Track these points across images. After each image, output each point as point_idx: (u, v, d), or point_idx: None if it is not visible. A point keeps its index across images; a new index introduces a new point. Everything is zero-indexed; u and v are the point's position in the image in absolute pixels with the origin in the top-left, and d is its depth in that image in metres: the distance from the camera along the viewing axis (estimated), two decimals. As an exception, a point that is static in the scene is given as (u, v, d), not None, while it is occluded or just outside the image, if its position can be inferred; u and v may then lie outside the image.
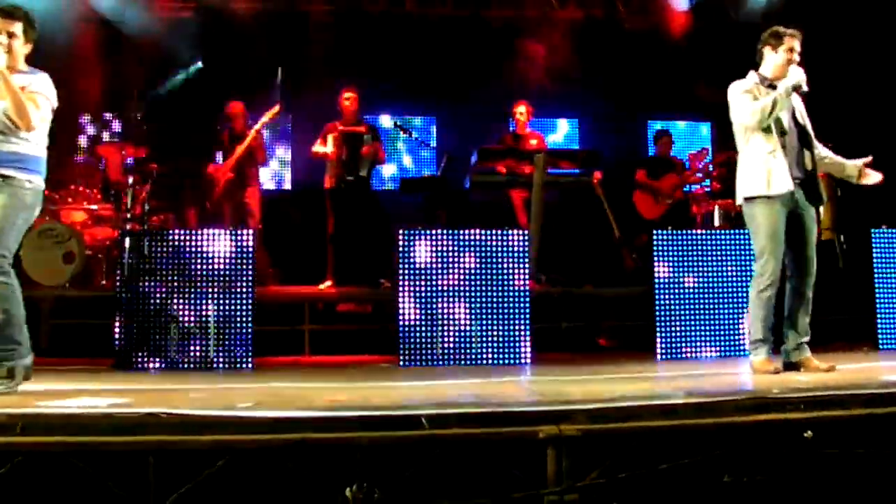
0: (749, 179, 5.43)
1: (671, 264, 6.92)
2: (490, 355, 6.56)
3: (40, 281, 7.94)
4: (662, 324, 6.85)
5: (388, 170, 11.09)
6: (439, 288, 6.60)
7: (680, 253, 6.95)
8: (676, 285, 6.90)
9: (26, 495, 3.54)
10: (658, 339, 6.84)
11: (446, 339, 6.56)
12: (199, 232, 6.57)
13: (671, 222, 8.91)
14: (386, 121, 10.80)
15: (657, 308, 6.86)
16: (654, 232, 7.03)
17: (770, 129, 5.35)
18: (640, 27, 11.32)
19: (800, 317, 5.47)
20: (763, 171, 5.35)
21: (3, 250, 4.79)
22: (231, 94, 9.39)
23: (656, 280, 6.90)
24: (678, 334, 6.86)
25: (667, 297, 6.88)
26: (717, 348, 6.90)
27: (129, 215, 8.51)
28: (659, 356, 6.80)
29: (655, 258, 6.93)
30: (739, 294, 6.88)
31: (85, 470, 3.48)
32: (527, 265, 6.74)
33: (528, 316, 6.63)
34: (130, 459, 3.51)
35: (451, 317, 6.58)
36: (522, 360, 6.54)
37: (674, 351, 6.83)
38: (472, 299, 6.61)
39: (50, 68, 8.26)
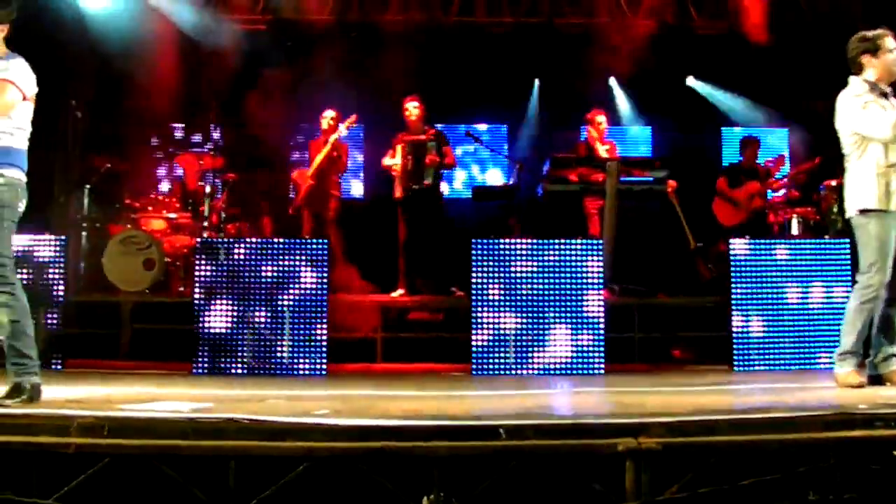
0: (865, 192, 5.20)
1: (748, 274, 6.78)
2: (564, 365, 6.51)
3: (121, 287, 8.13)
4: (739, 335, 6.72)
5: (459, 178, 11.10)
6: (512, 297, 6.59)
7: (757, 262, 6.81)
8: (754, 295, 6.75)
9: (112, 496, 3.62)
10: (735, 351, 6.71)
11: (519, 349, 6.53)
12: (275, 240, 6.68)
13: (749, 231, 8.74)
14: (458, 130, 10.83)
15: (734, 319, 6.73)
16: (731, 241, 6.90)
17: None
18: (713, 32, 11.13)
19: (893, 329, 5.28)
20: (881, 184, 5.15)
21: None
22: (306, 104, 9.47)
23: (733, 290, 6.77)
24: (755, 346, 6.71)
25: (744, 307, 6.74)
26: (794, 361, 6.72)
27: (206, 223, 8.70)
28: (735, 368, 6.66)
29: (733, 268, 6.80)
30: (818, 305, 6.72)
31: (168, 473, 3.55)
32: (601, 275, 6.67)
33: (602, 326, 6.57)
34: (212, 463, 3.57)
35: (523, 326, 6.55)
36: (596, 371, 6.48)
37: (750, 363, 6.68)
38: (546, 309, 6.57)
39: (131, 80, 8.47)
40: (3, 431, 3.74)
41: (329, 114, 9.22)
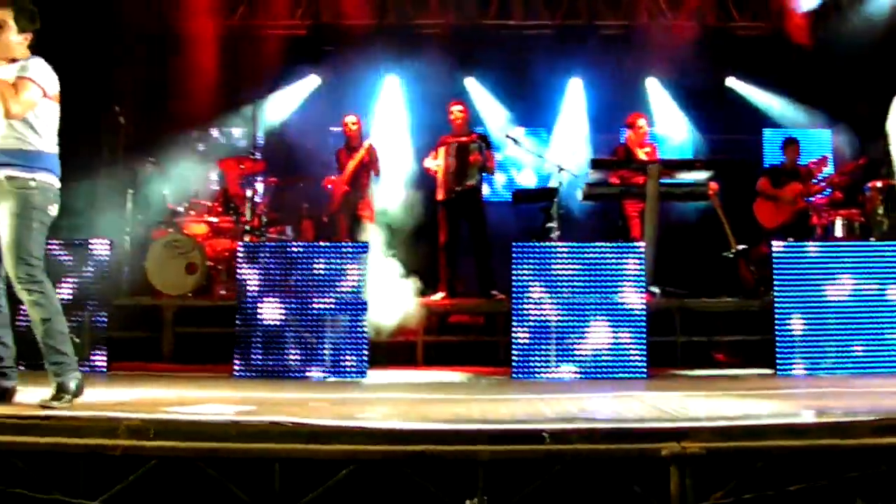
0: None
1: (792, 277, 6.69)
2: (605, 369, 6.47)
3: (164, 290, 8.22)
4: (783, 339, 6.62)
5: (500, 181, 11.10)
6: (553, 300, 6.56)
7: (800, 265, 6.71)
8: (797, 298, 6.65)
9: (157, 498, 3.67)
10: (778, 355, 6.60)
11: (560, 353, 6.51)
12: (315, 244, 6.72)
13: (792, 233, 8.63)
14: (498, 133, 10.83)
15: (777, 322, 6.63)
16: (775, 244, 6.82)
17: None
18: (754, 33, 11.04)
19: None
20: None
21: (30, 258, 4.53)
22: (346, 108, 9.54)
23: (776, 293, 6.68)
24: (799, 350, 6.60)
25: (787, 310, 6.64)
26: (839, 365, 6.57)
27: (247, 227, 8.78)
28: (779, 372, 6.57)
29: (775, 270, 6.71)
30: (863, 309, 6.60)
31: (212, 475, 3.59)
32: (642, 278, 6.63)
33: (644, 329, 6.52)
34: (257, 466, 3.61)
35: (564, 329, 6.53)
36: (639, 374, 6.43)
37: (794, 367, 6.58)
38: (586, 312, 6.54)
39: (173, 85, 8.56)
40: (51, 433, 3.81)
41: (350, 119, 9.34)
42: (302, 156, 10.32)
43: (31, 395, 4.60)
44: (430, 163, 9.01)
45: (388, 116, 9.12)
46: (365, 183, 9.29)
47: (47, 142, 4.66)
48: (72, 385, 4.52)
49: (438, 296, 8.43)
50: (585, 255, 6.63)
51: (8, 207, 4.53)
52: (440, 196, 8.91)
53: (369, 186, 9.36)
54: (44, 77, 4.58)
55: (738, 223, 8.99)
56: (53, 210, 4.69)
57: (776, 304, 6.66)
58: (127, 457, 3.62)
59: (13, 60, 4.59)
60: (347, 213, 9.23)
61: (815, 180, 9.48)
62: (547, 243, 6.78)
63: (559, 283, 6.58)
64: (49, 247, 6.31)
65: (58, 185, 4.72)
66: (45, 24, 4.74)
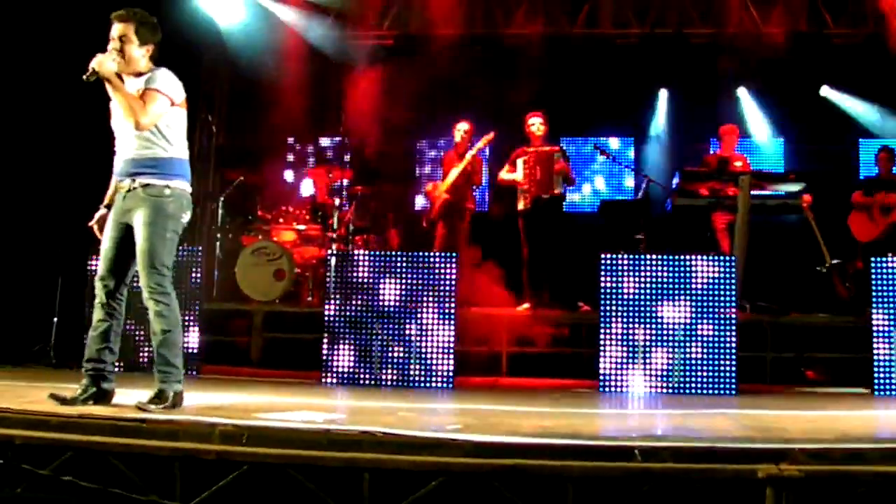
0: None
1: (890, 293, 6.46)
2: (694, 384, 6.36)
3: (253, 296, 8.39)
4: (881, 357, 6.40)
5: (586, 192, 11.03)
6: (640, 313, 6.49)
7: (899, 280, 6.49)
8: (896, 315, 6.43)
9: (249, 503, 3.71)
10: (875, 374, 6.39)
11: (648, 366, 6.43)
12: (406, 253, 6.74)
13: (889, 247, 8.35)
14: (585, 144, 10.78)
15: (875, 339, 6.42)
16: (873, 259, 6.60)
17: None
18: (850, 41, 10.70)
19: None
20: None
21: (162, 268, 4.62)
22: (444, 118, 9.50)
23: (874, 310, 6.47)
24: (899, 369, 6.38)
25: (886, 329, 6.42)
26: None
27: (334, 235, 8.89)
28: (876, 392, 6.35)
29: (873, 286, 6.50)
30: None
31: (302, 483, 3.62)
32: (732, 291, 6.49)
33: (734, 345, 6.39)
34: (347, 475, 3.62)
35: (653, 343, 6.44)
36: (729, 391, 6.30)
37: (893, 387, 6.35)
38: (676, 326, 6.44)
39: (264, 95, 8.71)
40: (148, 436, 3.90)
41: (463, 126, 9.28)
42: (389, 165, 10.39)
43: (127, 398, 4.71)
44: (506, 175, 8.98)
45: (487, 128, 9.04)
46: (466, 192, 9.21)
47: (179, 148, 4.78)
48: (171, 393, 4.61)
49: (523, 307, 8.40)
50: (675, 267, 6.54)
51: (143, 216, 4.63)
52: (521, 206, 8.87)
53: (470, 196, 9.28)
54: (170, 86, 4.68)
55: (833, 237, 8.74)
56: (186, 217, 4.81)
57: (874, 322, 6.45)
58: (220, 461, 3.67)
59: (138, 74, 4.70)
60: (446, 222, 9.14)
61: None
62: (634, 255, 6.66)
63: (647, 295, 6.51)
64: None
65: (190, 190, 4.84)
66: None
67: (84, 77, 4.47)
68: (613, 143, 11.17)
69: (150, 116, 4.57)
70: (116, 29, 4.66)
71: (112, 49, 4.63)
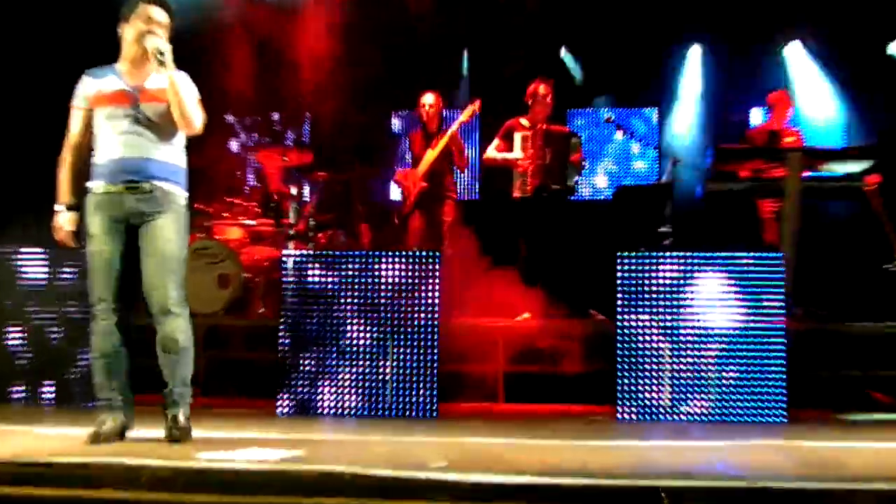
0: None
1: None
2: (735, 410, 6.38)
3: (192, 307, 8.25)
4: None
5: (598, 176, 11.06)
6: (668, 323, 6.50)
7: None
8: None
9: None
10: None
11: (677, 388, 6.45)
12: (378, 252, 6.73)
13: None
14: (596, 116, 10.78)
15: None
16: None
17: None
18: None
19: None
20: None
21: (182, 280, 5.12)
22: (415, 86, 9.54)
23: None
24: None
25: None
26: None
27: (291, 232, 8.88)
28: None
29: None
30: None
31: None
32: (781, 295, 6.51)
33: (783, 360, 6.41)
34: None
35: (683, 359, 6.46)
36: (777, 418, 6.32)
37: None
38: (710, 338, 6.46)
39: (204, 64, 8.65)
40: (57, 483, 3.88)
41: (427, 99, 9.26)
42: (357, 145, 10.36)
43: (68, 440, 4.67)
44: (499, 154, 8.98)
45: (471, 98, 9.04)
46: (446, 180, 9.23)
47: (185, 155, 5.28)
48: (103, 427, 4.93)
49: (523, 316, 8.40)
50: (709, 267, 6.54)
51: (170, 222, 5.08)
52: (519, 193, 8.89)
53: (451, 183, 9.30)
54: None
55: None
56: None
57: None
58: (151, 512, 3.67)
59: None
60: (424, 215, 9.15)
61: None
62: (659, 252, 6.67)
63: (675, 301, 6.52)
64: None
65: None
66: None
67: (157, 59, 4.91)
68: (632, 114, 11.19)
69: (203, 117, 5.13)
70: (164, 16, 5.11)
71: (166, 43, 5.03)
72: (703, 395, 6.42)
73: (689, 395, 6.44)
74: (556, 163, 8.75)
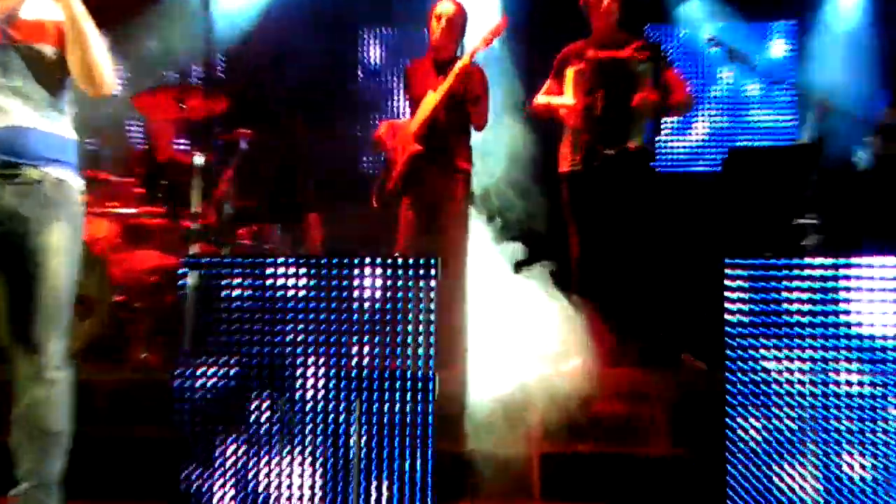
0: None
1: None
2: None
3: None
4: None
5: (696, 134, 11.05)
6: (810, 371, 6.33)
7: None
8: None
9: None
10: None
11: (824, 472, 6.26)
12: (334, 260, 6.54)
13: None
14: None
15: None
16: None
17: None
18: None
19: None
20: None
21: (67, 339, 5.51)
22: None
23: None
24: None
25: None
26: None
27: (194, 225, 8.71)
28: None
29: None
30: None
31: None
32: None
33: None
34: None
35: (830, 427, 6.28)
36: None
37: None
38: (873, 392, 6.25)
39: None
40: None
41: (446, 8, 9.19)
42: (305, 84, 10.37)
43: None
44: (545, 97, 9.10)
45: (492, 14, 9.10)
46: (457, 139, 9.20)
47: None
48: None
49: (572, 364, 8.29)
50: (879, 280, 6.32)
51: (58, 239, 5.37)
52: (565, 166, 8.98)
53: (464, 145, 9.27)
54: None
55: None
56: None
57: None
58: None
59: None
60: (417, 194, 9.14)
61: None
62: (798, 259, 6.46)
63: (827, 341, 6.31)
64: None
65: None
66: None
67: None
68: (752, 33, 11.16)
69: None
70: None
71: None
72: (861, 482, 6.24)
73: (841, 481, 6.26)
74: (610, 110, 8.78)
